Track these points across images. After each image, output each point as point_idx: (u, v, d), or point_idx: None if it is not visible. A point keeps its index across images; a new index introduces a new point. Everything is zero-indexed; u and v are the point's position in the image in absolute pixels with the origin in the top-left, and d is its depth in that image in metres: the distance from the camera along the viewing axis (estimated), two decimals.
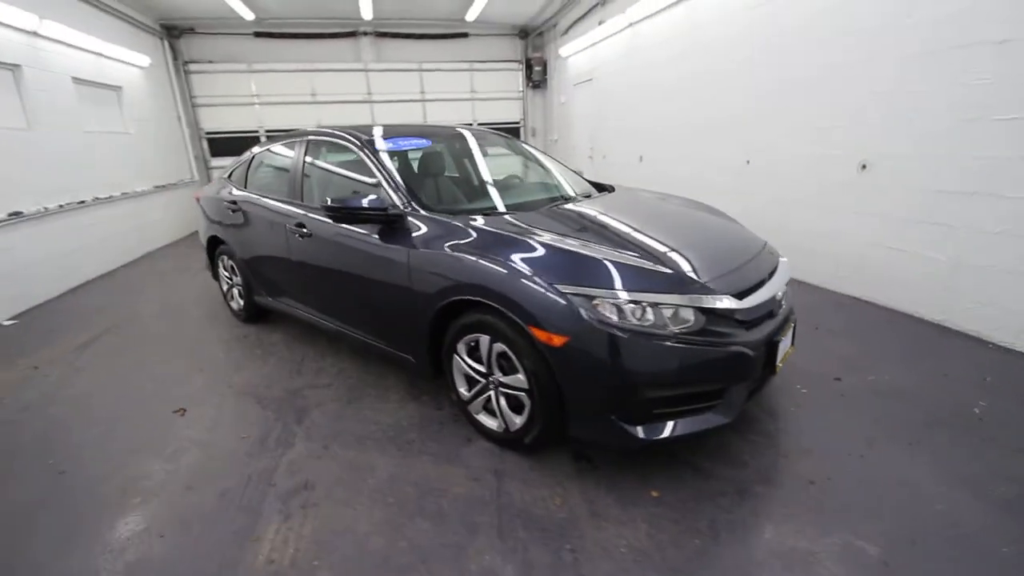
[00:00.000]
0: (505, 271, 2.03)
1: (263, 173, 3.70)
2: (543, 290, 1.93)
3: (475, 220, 2.36)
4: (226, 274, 4.10)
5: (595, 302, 1.87)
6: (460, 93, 10.10)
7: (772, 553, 1.71)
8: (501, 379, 2.18)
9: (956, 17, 3.08)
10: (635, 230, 2.36)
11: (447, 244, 2.26)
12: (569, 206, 2.70)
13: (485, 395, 2.30)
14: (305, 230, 2.99)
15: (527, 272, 1.99)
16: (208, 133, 9.06)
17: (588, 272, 1.95)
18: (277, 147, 3.65)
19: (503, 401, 2.22)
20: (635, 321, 1.86)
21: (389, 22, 9.14)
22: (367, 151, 2.82)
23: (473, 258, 2.14)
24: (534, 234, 2.19)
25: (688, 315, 1.90)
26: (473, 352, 2.28)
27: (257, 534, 1.87)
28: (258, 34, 8.88)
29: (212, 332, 3.95)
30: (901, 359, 3.00)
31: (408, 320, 2.50)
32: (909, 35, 3.35)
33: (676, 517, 1.89)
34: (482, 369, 2.26)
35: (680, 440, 1.95)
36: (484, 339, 2.17)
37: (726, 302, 1.96)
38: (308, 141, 3.26)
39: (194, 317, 4.34)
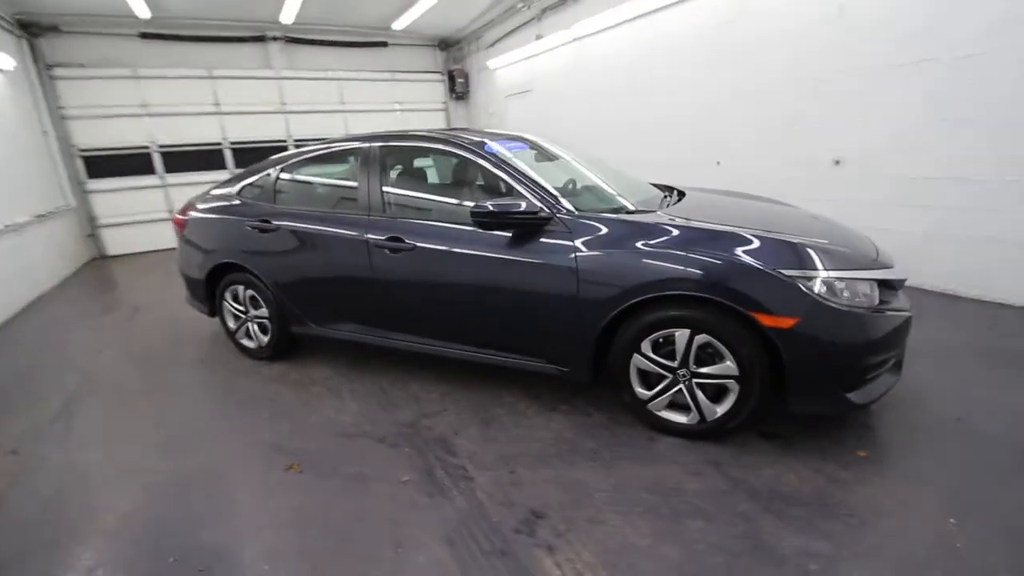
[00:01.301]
0: (724, 262, 2.08)
1: (303, 187, 3.24)
2: (769, 276, 2.01)
3: (661, 217, 2.38)
4: (237, 308, 3.47)
5: (813, 283, 2.01)
6: (383, 104, 9.66)
7: None
8: (700, 371, 2.21)
9: (924, 34, 3.81)
10: (767, 220, 2.55)
11: (640, 243, 2.22)
12: (683, 204, 2.78)
13: (672, 391, 2.30)
14: (406, 244, 2.69)
15: (750, 261, 2.05)
16: (84, 150, 7.48)
17: (799, 256, 2.07)
18: (318, 156, 3.23)
19: (699, 393, 2.25)
20: (846, 297, 2.03)
21: (302, 27, 8.44)
22: (487, 156, 2.65)
23: (681, 253, 2.14)
24: (722, 226, 2.26)
25: (872, 289, 2.12)
26: (657, 349, 2.27)
27: None
28: (145, 35, 7.60)
29: (231, 378, 3.31)
30: None
31: (567, 327, 2.39)
32: (879, 48, 4.06)
33: (896, 469, 2.09)
34: (671, 364, 2.26)
35: (875, 401, 2.17)
36: (681, 333, 2.18)
37: (895, 272, 2.23)
38: (379, 148, 2.94)
39: (189, 363, 3.60)
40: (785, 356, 2.03)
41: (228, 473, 2.30)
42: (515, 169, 2.58)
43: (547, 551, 1.76)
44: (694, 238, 2.19)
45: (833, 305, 1.98)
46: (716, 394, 2.23)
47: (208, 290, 3.56)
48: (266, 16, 7.83)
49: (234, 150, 8.47)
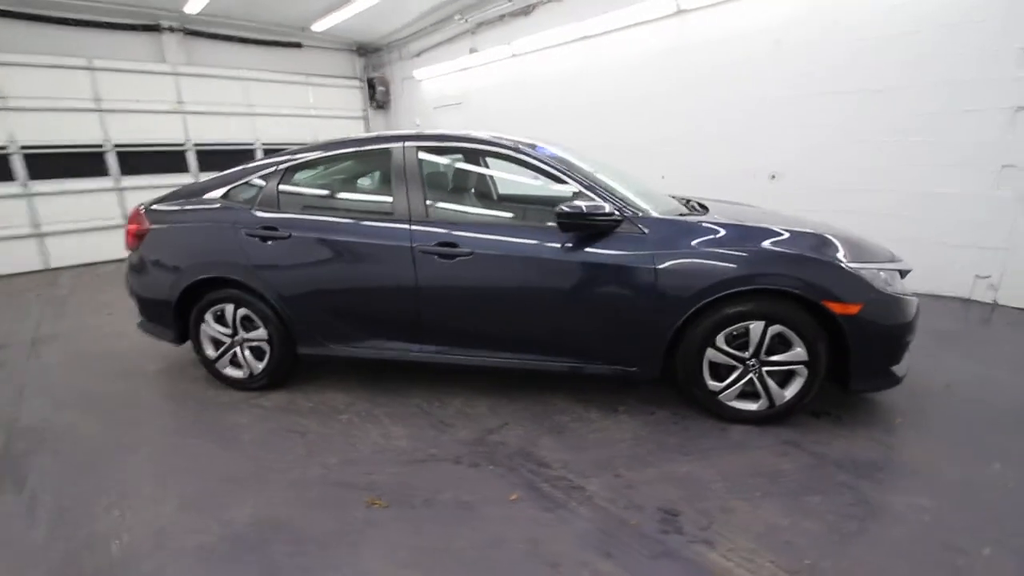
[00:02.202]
0: (799, 257, 2.27)
1: (319, 190, 2.89)
2: (839, 268, 2.26)
3: (719, 218, 2.52)
4: (221, 331, 2.97)
5: (870, 273, 2.29)
6: (296, 108, 8.95)
7: None
8: (771, 359, 2.38)
9: (845, 70, 4.53)
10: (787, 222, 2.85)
11: (714, 242, 2.35)
12: (718, 209, 2.97)
13: (743, 381, 2.45)
14: (462, 250, 2.53)
15: (820, 256, 2.28)
16: None
17: (857, 250, 2.35)
18: (333, 157, 2.94)
19: (769, 380, 2.42)
20: (890, 285, 2.35)
21: (204, 20, 7.54)
22: (547, 160, 2.61)
23: (754, 250, 2.30)
24: (781, 227, 2.46)
25: (899, 277, 2.48)
26: (730, 341, 2.41)
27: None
28: (2, 13, 6.22)
29: (224, 414, 2.81)
30: None
31: (642, 326, 2.44)
32: (809, 79, 4.74)
33: (928, 429, 2.44)
34: (743, 355, 2.41)
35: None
36: (755, 325, 2.34)
37: (904, 264, 2.62)
38: (415, 148, 2.73)
39: (153, 402, 3.00)
40: (850, 339, 2.28)
41: (298, 521, 1.96)
42: (581, 172, 2.58)
43: (706, 545, 1.77)
44: (760, 237, 2.37)
45: (886, 292, 2.28)
46: (782, 380, 2.43)
47: (178, 312, 3.00)
48: (163, 3, 6.88)
49: (120, 153, 7.24)
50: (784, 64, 4.88)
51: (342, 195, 2.95)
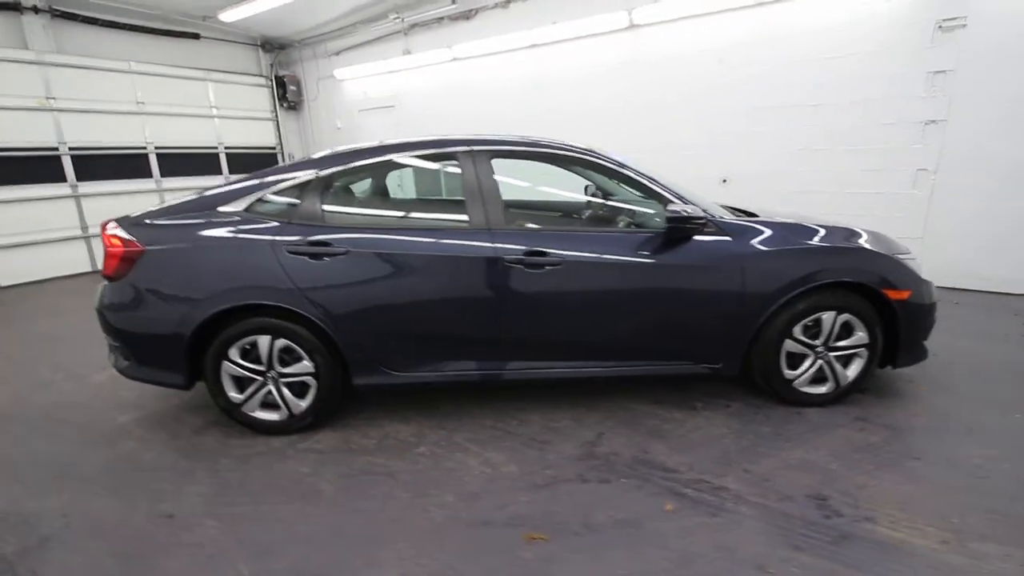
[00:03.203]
0: (863, 252, 2.54)
1: (373, 198, 2.54)
2: (893, 260, 2.57)
3: (787, 219, 2.70)
4: (251, 369, 2.49)
5: (911, 263, 2.64)
6: (196, 108, 7.82)
7: None
8: (837, 345, 2.62)
9: (785, 86, 5.13)
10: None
11: (792, 240, 2.53)
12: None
13: (815, 367, 2.66)
14: (551, 258, 2.42)
15: (880, 249, 2.56)
16: None
17: (896, 244, 2.68)
18: (387, 162, 2.64)
19: (836, 365, 2.66)
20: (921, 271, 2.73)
21: (81, 0, 6.29)
22: (626, 166, 2.60)
23: (827, 246, 2.53)
24: (837, 224, 2.71)
25: None
26: (805, 332, 2.61)
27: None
28: None
29: (271, 463, 2.38)
30: None
31: (729, 324, 2.56)
32: (752, 94, 5.30)
33: (948, 392, 2.86)
34: (815, 344, 2.62)
35: None
36: (828, 315, 2.57)
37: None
38: (486, 153, 2.55)
39: (172, 463, 2.43)
40: (902, 322, 2.60)
41: (469, 573, 1.72)
42: (662, 181, 2.62)
43: (870, 522, 1.89)
44: (824, 233, 2.61)
45: (923, 279, 2.64)
46: (844, 364, 2.68)
47: (190, 350, 2.46)
48: None
49: None
50: (729, 80, 5.39)
51: (400, 205, 2.65)
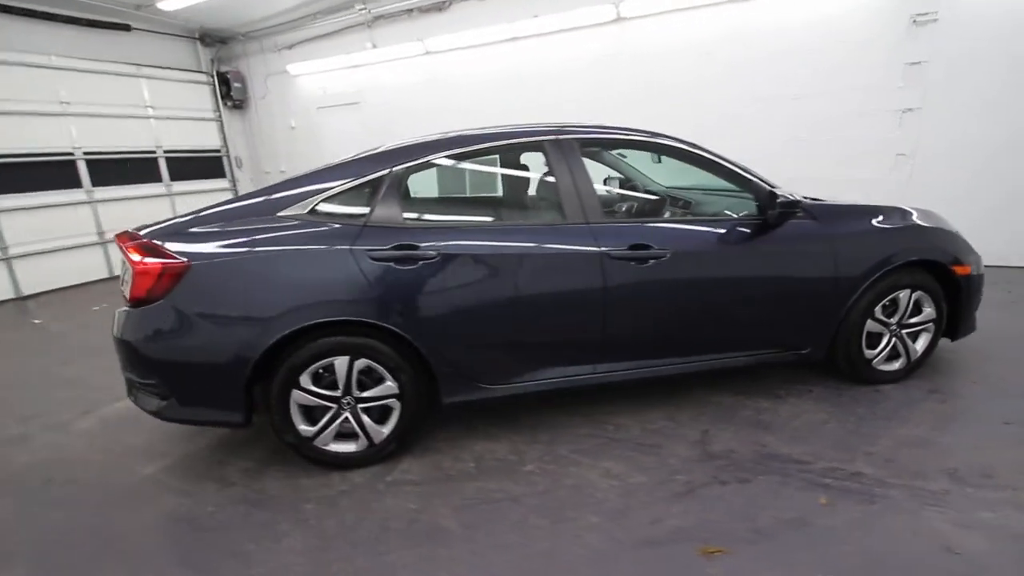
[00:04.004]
0: (938, 230, 2.62)
1: (454, 195, 2.26)
2: (958, 237, 2.68)
3: (855, 201, 2.75)
4: (324, 396, 2.15)
5: (967, 240, 2.77)
6: (128, 107, 6.91)
7: None
8: (910, 322, 2.70)
9: (770, 79, 5.31)
10: None
11: (870, 222, 2.58)
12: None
13: (891, 345, 2.71)
14: (657, 251, 2.28)
15: (947, 227, 2.66)
16: None
17: (942, 219, 2.78)
18: (464, 154, 2.39)
19: (908, 341, 2.74)
20: None
21: None
22: (714, 153, 2.52)
23: (902, 226, 2.61)
24: (901, 205, 2.78)
25: None
26: (883, 311, 2.66)
27: None
28: None
29: (374, 508, 2.06)
30: None
31: (821, 308, 2.56)
32: (740, 87, 5.45)
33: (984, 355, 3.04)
34: (891, 322, 2.68)
35: None
36: (904, 293, 2.63)
37: None
38: (575, 141, 2.37)
39: (251, 529, 2.03)
40: (964, 295, 2.72)
41: None
42: (747, 167, 2.56)
43: (1011, 489, 1.93)
44: (900, 216, 2.67)
45: (975, 252, 2.78)
46: (913, 340, 2.77)
47: (251, 380, 2.08)
48: None
49: None
50: (714, 73, 5.52)
51: (479, 201, 2.41)
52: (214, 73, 8.01)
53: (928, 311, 2.70)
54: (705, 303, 2.45)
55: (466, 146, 2.36)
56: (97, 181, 6.54)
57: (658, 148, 2.63)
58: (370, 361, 2.16)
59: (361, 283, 2.08)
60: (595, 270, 2.25)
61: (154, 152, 7.25)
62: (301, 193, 2.19)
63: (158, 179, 7.33)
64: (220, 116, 8.15)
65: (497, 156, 2.50)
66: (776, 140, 5.41)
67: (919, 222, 2.67)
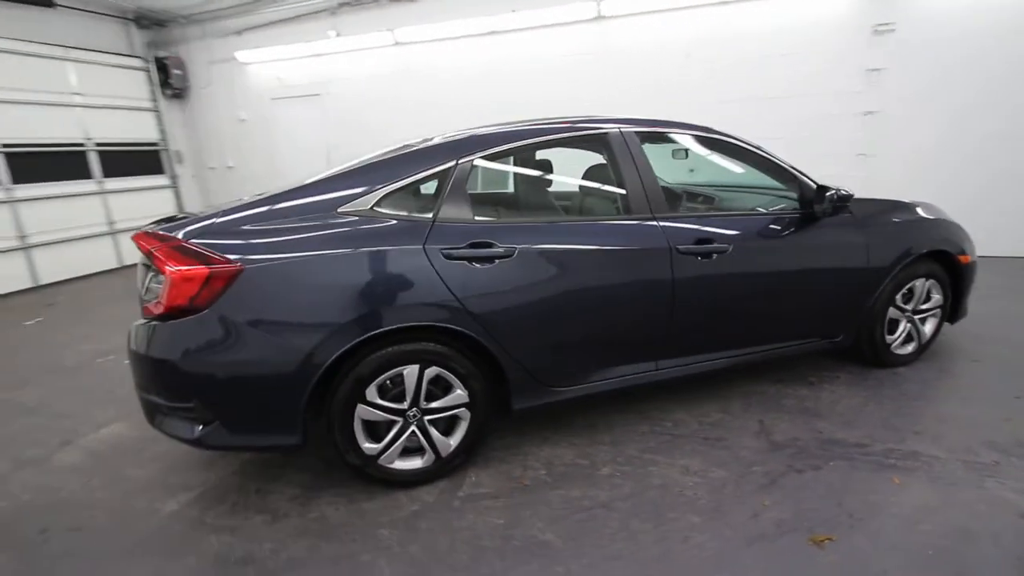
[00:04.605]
0: (947, 223, 2.82)
1: (522, 187, 2.13)
2: (961, 228, 2.90)
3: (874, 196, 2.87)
4: (390, 409, 1.97)
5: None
6: (52, 93, 6.08)
7: None
8: (922, 307, 2.90)
9: (745, 79, 5.55)
10: None
11: (893, 217, 2.75)
12: None
13: (907, 331, 2.90)
14: (720, 245, 2.29)
15: (951, 220, 2.87)
16: None
17: (942, 211, 3.01)
18: (529, 146, 2.30)
19: (920, 325, 2.93)
20: None
21: None
22: (753, 146, 2.55)
23: (916, 219, 2.81)
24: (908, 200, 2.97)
25: None
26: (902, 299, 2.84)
27: None
28: None
29: (451, 527, 1.91)
30: None
31: (854, 297, 2.69)
32: (716, 87, 5.65)
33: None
34: (908, 308, 2.86)
35: None
36: (920, 282, 2.82)
37: None
38: (636, 134, 2.33)
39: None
40: (964, 283, 2.95)
41: None
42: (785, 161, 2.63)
43: None
44: (913, 209, 2.85)
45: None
46: (923, 324, 2.98)
47: (311, 397, 1.86)
48: None
49: None
50: (693, 75, 5.70)
51: (551, 192, 2.31)
52: (151, 59, 7.24)
53: (936, 298, 2.91)
54: (760, 296, 2.49)
55: (529, 138, 2.25)
56: (18, 178, 5.70)
57: (712, 143, 2.64)
58: (441, 369, 2.00)
59: (437, 285, 1.91)
60: (665, 265, 2.22)
61: (83, 145, 6.43)
62: (360, 188, 1.98)
63: (88, 175, 6.51)
64: (158, 106, 7.38)
65: (564, 145, 2.39)
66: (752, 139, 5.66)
67: (930, 215, 2.87)
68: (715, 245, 2.30)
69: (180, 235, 1.83)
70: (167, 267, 1.75)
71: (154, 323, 1.85)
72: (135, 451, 2.52)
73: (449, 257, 1.94)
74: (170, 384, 1.85)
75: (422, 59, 6.60)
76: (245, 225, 1.86)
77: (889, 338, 2.88)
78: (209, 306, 1.76)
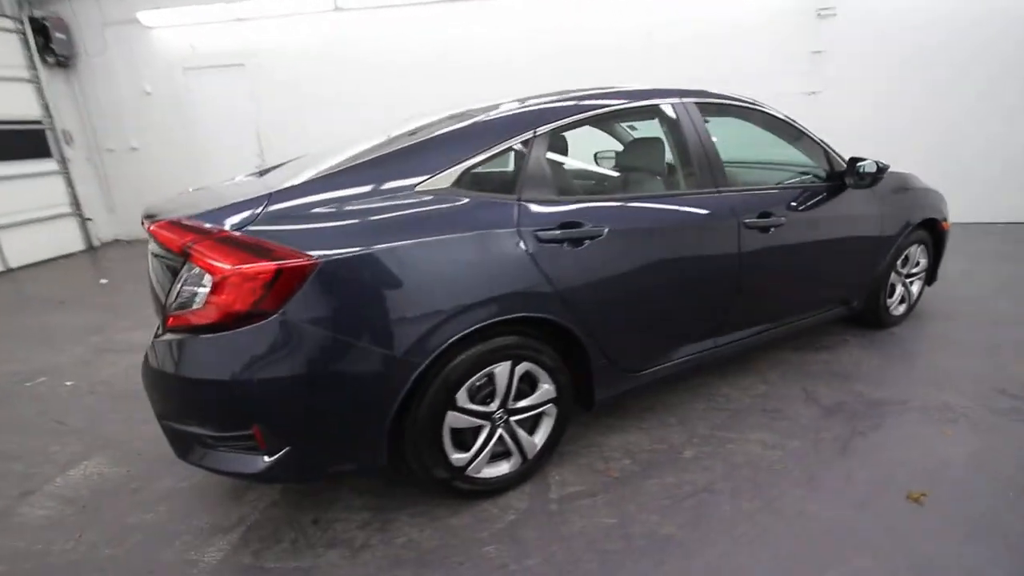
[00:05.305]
0: (931, 191, 3.08)
1: (592, 162, 1.98)
2: (940, 196, 3.17)
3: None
4: (478, 413, 1.75)
5: None
6: None
7: None
8: (913, 271, 3.16)
9: (689, 64, 5.69)
10: None
11: (898, 189, 2.92)
12: None
13: (900, 293, 3.14)
14: (777, 219, 2.30)
15: (935, 190, 3.13)
16: None
17: (920, 180, 3.28)
18: (602, 115, 2.12)
19: (910, 287, 3.19)
20: None
21: None
22: (790, 119, 2.58)
23: (919, 189, 3.02)
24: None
25: None
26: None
27: None
28: None
29: (557, 534, 1.76)
30: None
31: (871, 264, 2.85)
32: (678, 69, 5.74)
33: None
34: (902, 273, 3.10)
35: None
36: (914, 248, 3.06)
37: None
38: (696, 105, 2.24)
39: None
40: (943, 247, 3.26)
41: (920, 551, 1.58)
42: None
43: None
44: (909, 181, 3.06)
45: None
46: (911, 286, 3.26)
47: (403, 404, 1.60)
48: None
49: None
50: (655, 56, 5.75)
51: (622, 167, 2.15)
52: (24, 19, 5.95)
53: (923, 262, 3.18)
54: (806, 267, 2.56)
55: (598, 109, 2.07)
56: None
57: (757, 116, 2.63)
58: (531, 365, 1.81)
59: (532, 271, 1.71)
60: (733, 239, 2.19)
61: None
62: (434, 164, 1.71)
63: None
64: (37, 76, 6.12)
65: (625, 117, 2.26)
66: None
67: (920, 186, 3.11)
68: (773, 219, 2.31)
69: (226, 224, 1.46)
70: (219, 265, 1.39)
71: (191, 336, 1.48)
72: (128, 492, 2.06)
73: (543, 240, 1.74)
74: (222, 410, 1.50)
75: (365, 29, 6.06)
76: (311, 209, 1.53)
77: (888, 301, 3.11)
78: (276, 311, 1.43)
